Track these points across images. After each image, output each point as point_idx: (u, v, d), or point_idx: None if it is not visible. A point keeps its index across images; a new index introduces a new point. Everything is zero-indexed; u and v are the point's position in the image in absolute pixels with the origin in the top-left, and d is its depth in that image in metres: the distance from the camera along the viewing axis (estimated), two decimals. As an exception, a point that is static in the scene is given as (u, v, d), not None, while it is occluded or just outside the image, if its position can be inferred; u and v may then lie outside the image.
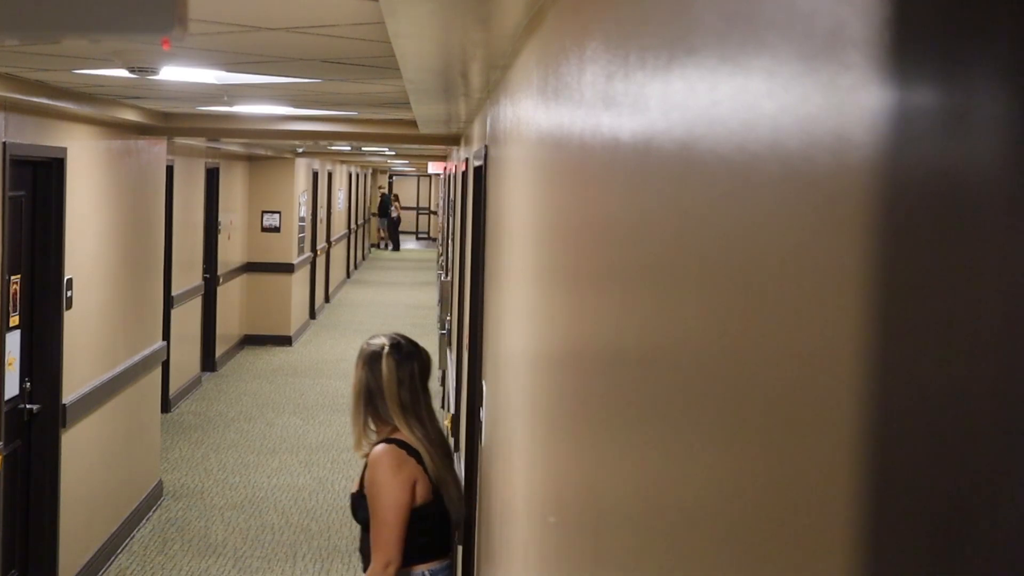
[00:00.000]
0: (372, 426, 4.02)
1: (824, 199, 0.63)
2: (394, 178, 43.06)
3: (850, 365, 0.58)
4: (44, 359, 6.50)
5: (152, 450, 8.84)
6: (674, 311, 1.01)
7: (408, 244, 40.53)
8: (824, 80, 0.63)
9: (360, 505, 3.94)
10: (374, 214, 38.25)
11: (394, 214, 37.60)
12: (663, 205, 1.08)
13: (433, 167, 22.22)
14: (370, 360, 4.01)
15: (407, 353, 4.02)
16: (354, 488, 4.00)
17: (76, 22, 1.65)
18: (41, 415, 6.48)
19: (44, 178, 6.48)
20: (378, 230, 38.47)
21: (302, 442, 10.93)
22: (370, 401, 4.00)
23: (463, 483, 5.34)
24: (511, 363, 3.13)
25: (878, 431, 0.54)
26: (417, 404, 4.01)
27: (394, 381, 3.96)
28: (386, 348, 3.99)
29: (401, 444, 3.91)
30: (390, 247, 37.79)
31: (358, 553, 4.16)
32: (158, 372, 9.02)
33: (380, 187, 39.93)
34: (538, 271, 2.40)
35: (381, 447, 3.91)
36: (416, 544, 3.89)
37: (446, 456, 4.10)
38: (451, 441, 7.46)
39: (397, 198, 38.53)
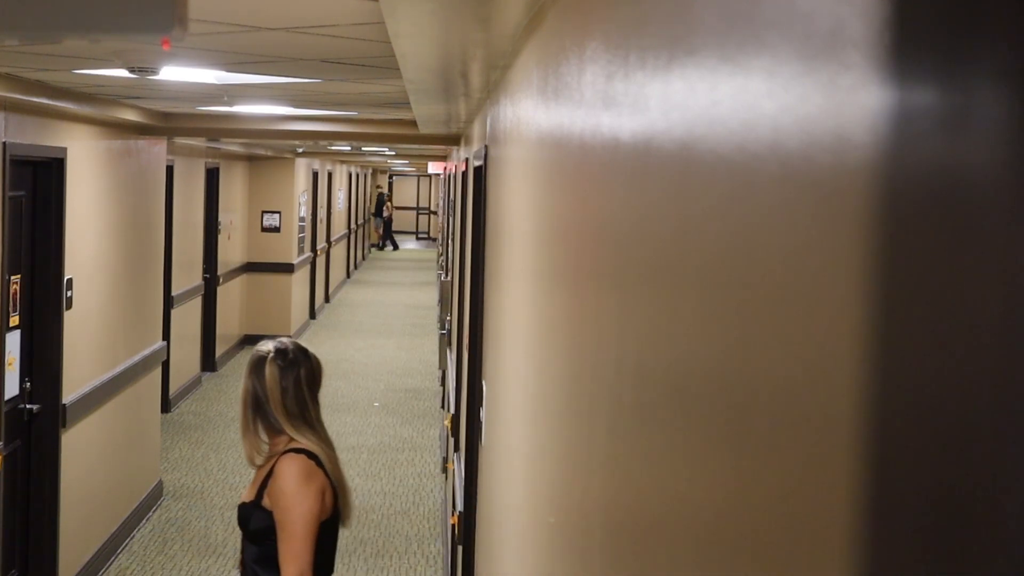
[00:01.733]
0: (264, 436, 3.82)
1: (824, 199, 0.63)
2: (394, 178, 43.10)
3: (850, 365, 0.58)
4: (44, 359, 6.50)
5: (152, 450, 8.84)
6: (674, 311, 1.01)
7: (408, 244, 40.56)
8: (824, 80, 0.63)
9: (252, 516, 3.71)
10: (374, 214, 38.29)
11: (385, 213, 37.61)
12: (663, 205, 1.08)
13: (433, 167, 22.23)
14: (255, 367, 3.82)
15: (291, 360, 3.80)
16: (245, 498, 3.77)
17: (76, 22, 1.65)
18: (41, 415, 6.48)
19: (44, 178, 6.48)
20: (375, 229, 38.46)
21: (302, 442, 10.91)
22: (258, 409, 3.80)
23: (464, 482, 5.35)
24: (511, 363, 3.13)
25: (878, 430, 0.54)
26: (305, 412, 3.80)
27: (278, 388, 3.76)
28: (270, 354, 3.80)
29: (310, 455, 3.73)
30: (389, 247, 37.82)
31: (239, 569, 3.86)
32: (158, 372, 9.02)
33: (378, 186, 39.89)
34: (538, 271, 2.40)
35: (291, 456, 3.71)
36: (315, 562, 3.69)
37: (337, 462, 3.91)
38: (451, 441, 7.46)
39: (389, 198, 38.50)
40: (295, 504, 3.63)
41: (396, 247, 37.70)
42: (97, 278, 7.28)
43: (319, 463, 3.71)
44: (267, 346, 3.84)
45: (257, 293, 16.28)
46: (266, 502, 3.67)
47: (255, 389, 3.79)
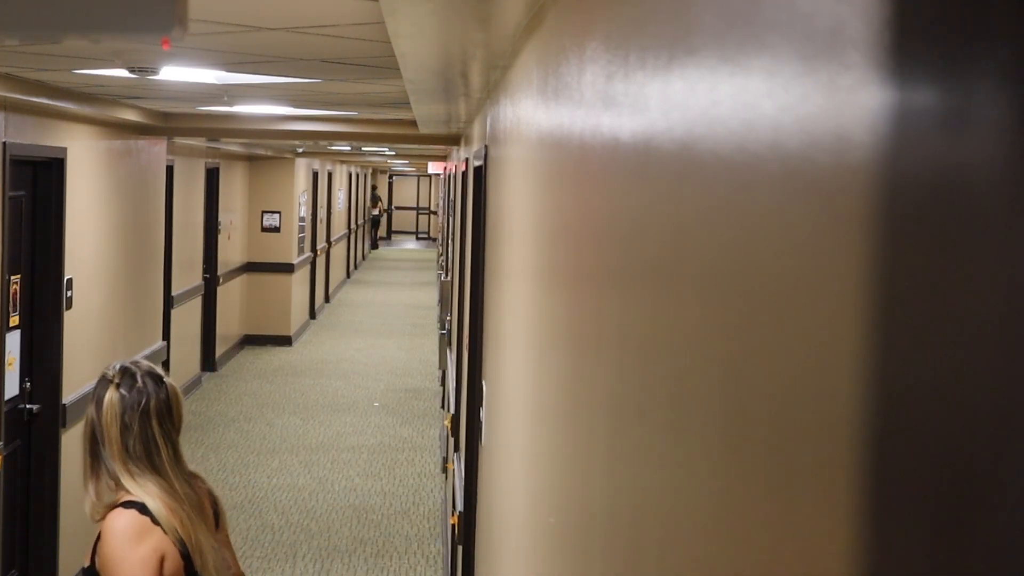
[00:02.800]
0: (110, 482, 3.03)
1: (824, 199, 0.63)
2: (394, 178, 43.16)
3: (850, 364, 0.58)
4: (44, 359, 6.50)
5: (152, 450, 8.83)
6: (674, 311, 1.01)
7: (408, 244, 40.65)
8: (824, 80, 0.63)
9: None
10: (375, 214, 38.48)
11: (374, 212, 37.71)
12: (663, 205, 1.08)
13: (433, 167, 22.23)
14: (96, 391, 3.07)
15: (139, 388, 3.04)
16: (85, 561, 3.02)
17: (76, 22, 1.65)
18: (41, 415, 6.48)
19: (44, 178, 6.48)
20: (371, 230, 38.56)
21: (302, 442, 10.93)
22: (96, 447, 3.05)
23: (464, 482, 5.33)
24: (511, 363, 3.13)
25: (879, 429, 0.54)
26: (153, 455, 3.02)
27: (116, 424, 3.01)
28: (114, 379, 3.06)
29: (144, 509, 2.95)
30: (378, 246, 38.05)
31: None
32: (158, 372, 9.01)
33: (374, 185, 39.86)
34: (538, 271, 2.40)
35: (117, 511, 2.94)
36: None
37: (201, 516, 3.11)
38: (451, 441, 7.45)
39: (377, 198, 38.51)
40: (114, 571, 2.88)
41: (375, 246, 37.75)
42: (97, 278, 7.28)
43: (156, 520, 2.95)
44: (113, 368, 3.10)
45: (257, 293, 16.28)
46: (98, 565, 2.96)
47: (93, 421, 3.06)
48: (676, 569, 0.97)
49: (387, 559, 7.86)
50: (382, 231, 39.05)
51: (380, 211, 38.13)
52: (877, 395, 0.54)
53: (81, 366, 6.97)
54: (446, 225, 14.10)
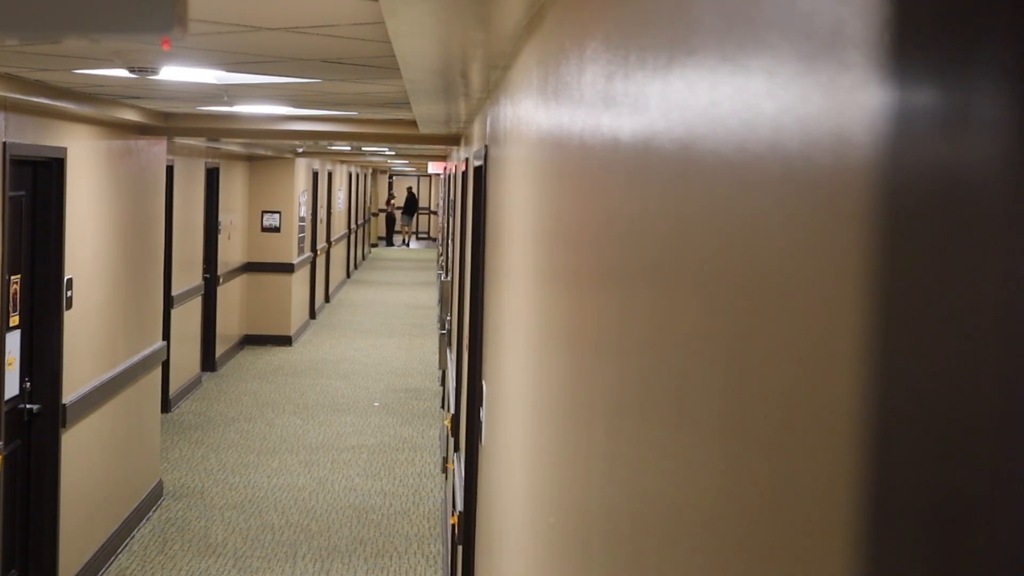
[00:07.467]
0: None
1: (824, 199, 0.63)
2: (394, 178, 43.43)
3: (850, 364, 0.58)
4: (44, 359, 6.50)
5: (152, 450, 8.84)
6: (674, 311, 1.01)
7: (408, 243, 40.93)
8: (824, 80, 0.63)
9: None
10: (374, 213, 39.37)
11: (388, 210, 39.35)
12: (663, 205, 1.08)
13: (433, 167, 22.25)
14: None
15: None
16: None
17: (76, 22, 1.65)
18: (41, 415, 6.48)
19: (44, 178, 6.48)
20: (404, 226, 40.16)
21: (302, 442, 10.93)
22: None
23: (464, 482, 5.33)
24: (511, 363, 3.13)
25: (878, 430, 0.54)
26: None
27: None
28: None
29: None
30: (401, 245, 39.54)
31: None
32: (158, 372, 9.02)
33: (409, 187, 40.99)
34: (538, 271, 2.40)
35: None
36: None
37: None
38: (451, 441, 7.45)
39: (392, 196, 40.20)
40: None
41: (390, 243, 39.34)
42: (97, 278, 7.28)
43: None
44: None
45: (257, 293, 16.28)
46: None
47: None
48: (676, 569, 0.97)
49: (387, 559, 7.86)
50: (382, 231, 40.07)
51: (392, 208, 39.48)
52: (877, 395, 0.54)
53: (81, 366, 6.97)
54: (446, 225, 14.09)
